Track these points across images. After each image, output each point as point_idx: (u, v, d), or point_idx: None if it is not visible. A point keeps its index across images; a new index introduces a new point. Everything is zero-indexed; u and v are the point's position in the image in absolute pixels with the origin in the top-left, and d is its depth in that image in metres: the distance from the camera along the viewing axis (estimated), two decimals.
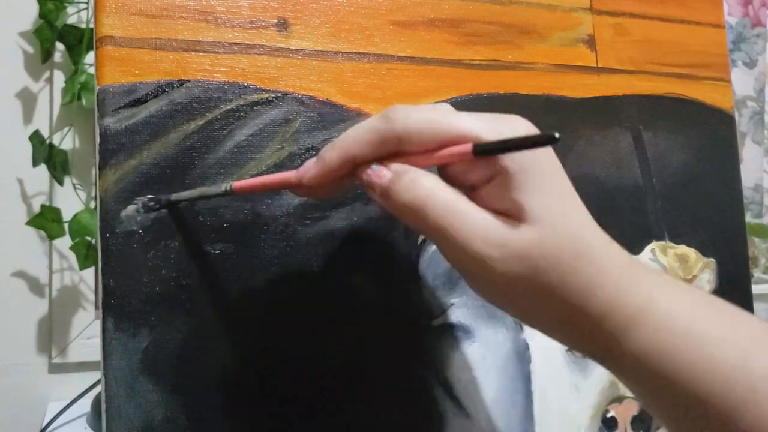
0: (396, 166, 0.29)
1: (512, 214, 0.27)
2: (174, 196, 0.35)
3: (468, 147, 0.27)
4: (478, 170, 0.28)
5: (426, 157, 0.28)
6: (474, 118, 0.28)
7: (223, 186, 0.34)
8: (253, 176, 0.36)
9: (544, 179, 0.28)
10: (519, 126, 0.28)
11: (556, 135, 0.24)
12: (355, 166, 0.29)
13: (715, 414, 0.26)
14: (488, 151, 0.27)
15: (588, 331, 0.28)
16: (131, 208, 0.34)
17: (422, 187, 0.27)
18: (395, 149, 0.29)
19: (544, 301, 0.27)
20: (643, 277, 0.28)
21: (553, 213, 0.27)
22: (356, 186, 0.31)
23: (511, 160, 0.27)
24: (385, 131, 0.28)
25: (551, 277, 0.27)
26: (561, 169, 0.29)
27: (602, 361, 0.29)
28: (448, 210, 0.27)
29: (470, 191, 0.28)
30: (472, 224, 0.27)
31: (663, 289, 0.28)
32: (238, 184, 0.33)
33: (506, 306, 0.30)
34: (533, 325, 0.30)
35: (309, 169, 0.30)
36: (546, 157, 0.28)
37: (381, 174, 0.29)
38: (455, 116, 0.28)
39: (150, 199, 0.35)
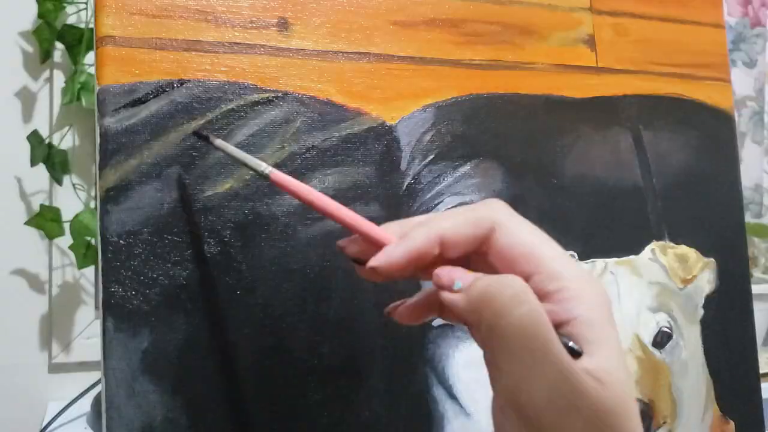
0: (482, 274, 0.27)
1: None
2: (218, 143, 0.33)
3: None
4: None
5: None
6: (572, 269, 0.27)
7: (263, 167, 0.31)
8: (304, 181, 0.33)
9: (604, 334, 0.26)
10: (599, 298, 0.27)
11: (579, 351, 0.25)
12: (438, 253, 0.27)
13: None
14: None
15: None
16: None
17: (515, 285, 0.25)
18: (482, 241, 0.27)
19: None
20: None
21: (614, 370, 0.25)
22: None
23: (579, 307, 0.26)
24: (481, 214, 0.27)
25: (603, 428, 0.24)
26: (614, 324, 0.27)
27: None
28: (536, 323, 0.24)
29: None
30: (555, 351, 0.24)
31: None
32: (279, 177, 0.31)
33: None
34: None
35: (389, 253, 0.27)
36: (610, 315, 0.27)
37: (468, 274, 0.27)
38: (553, 249, 0.27)
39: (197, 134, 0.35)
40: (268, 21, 0.38)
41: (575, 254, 0.44)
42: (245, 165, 0.32)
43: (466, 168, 0.42)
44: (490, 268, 0.28)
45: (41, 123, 0.88)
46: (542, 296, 0.26)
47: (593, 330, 0.26)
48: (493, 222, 0.27)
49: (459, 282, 0.26)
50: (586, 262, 0.45)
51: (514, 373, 0.24)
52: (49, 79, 0.89)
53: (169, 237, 0.35)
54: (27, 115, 0.89)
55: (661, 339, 0.46)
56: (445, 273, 0.27)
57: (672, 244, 0.48)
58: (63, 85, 0.87)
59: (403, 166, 0.41)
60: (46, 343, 0.90)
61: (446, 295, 0.27)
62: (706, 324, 0.48)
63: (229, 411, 0.35)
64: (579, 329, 0.26)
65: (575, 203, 0.45)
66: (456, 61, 0.43)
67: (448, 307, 0.27)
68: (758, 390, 0.50)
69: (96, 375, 0.85)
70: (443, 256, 0.28)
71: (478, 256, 0.28)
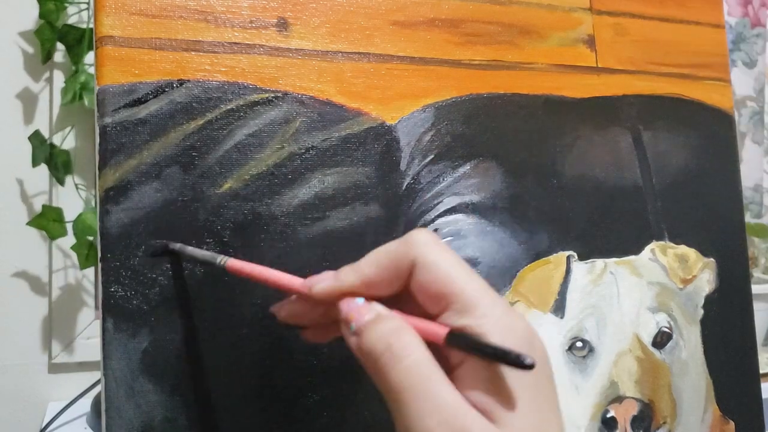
0: (382, 309, 0.27)
1: (482, 409, 0.24)
2: (171, 246, 0.35)
3: (443, 331, 0.26)
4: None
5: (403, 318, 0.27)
6: (488, 299, 0.26)
7: (219, 259, 0.33)
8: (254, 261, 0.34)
9: (535, 383, 0.25)
10: (518, 329, 0.26)
11: (530, 363, 0.23)
12: (366, 292, 0.28)
13: None
14: (460, 345, 0.25)
15: None
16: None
17: (403, 340, 0.25)
18: (405, 280, 0.27)
19: None
20: None
21: (530, 428, 0.24)
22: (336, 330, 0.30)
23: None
24: (401, 253, 0.27)
25: None
26: (552, 381, 0.26)
27: None
28: (419, 374, 0.24)
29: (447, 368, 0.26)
30: (437, 399, 0.24)
31: None
32: (233, 264, 0.33)
33: None
34: None
35: (322, 281, 0.29)
36: (541, 362, 0.25)
37: (363, 310, 0.27)
38: (473, 284, 0.26)
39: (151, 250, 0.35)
40: (268, 21, 0.38)
41: (575, 254, 0.44)
42: (199, 261, 0.35)
43: (465, 168, 0.42)
44: (417, 304, 0.28)
45: (42, 123, 0.88)
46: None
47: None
48: (412, 261, 0.27)
49: (353, 324, 0.27)
50: (586, 262, 0.45)
51: (402, 420, 0.25)
52: (50, 79, 0.89)
53: (169, 237, 0.35)
54: (28, 115, 0.89)
55: (661, 339, 0.46)
56: (345, 308, 0.28)
57: (672, 244, 0.48)
58: (63, 85, 0.87)
59: (403, 166, 0.41)
60: (47, 344, 0.90)
61: (344, 332, 0.28)
62: (706, 324, 0.48)
63: (229, 411, 0.35)
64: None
65: (575, 203, 0.45)
66: (456, 61, 0.43)
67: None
68: (758, 390, 0.50)
69: (96, 375, 0.85)
70: (374, 297, 0.28)
71: (409, 294, 0.28)
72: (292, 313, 0.31)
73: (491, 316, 0.25)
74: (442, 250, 0.27)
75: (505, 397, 0.24)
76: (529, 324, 0.26)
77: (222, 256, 0.33)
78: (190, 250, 0.34)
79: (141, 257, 0.34)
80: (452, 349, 0.26)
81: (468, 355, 0.25)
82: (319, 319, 0.31)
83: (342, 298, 0.28)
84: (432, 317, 0.27)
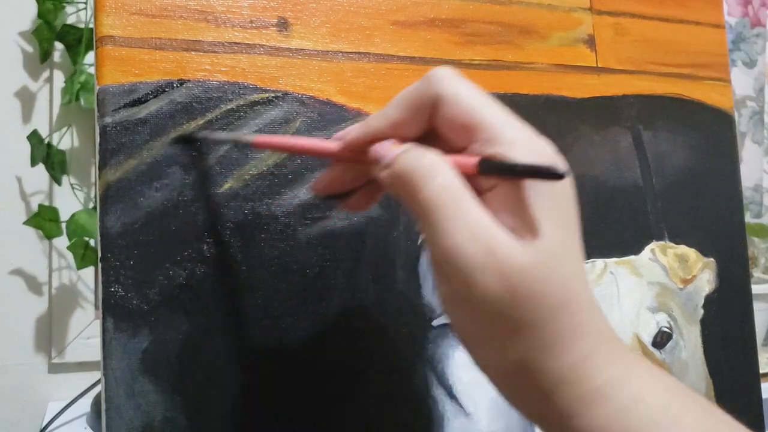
0: (411, 144, 0.27)
1: (513, 228, 0.25)
2: (201, 134, 0.36)
3: (474, 160, 0.26)
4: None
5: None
6: (513, 126, 0.26)
7: (244, 138, 0.35)
8: (274, 140, 0.35)
9: (558, 207, 0.25)
10: (545, 151, 0.26)
11: (563, 172, 0.24)
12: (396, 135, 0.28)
13: None
14: (492, 170, 0.25)
15: (545, 392, 0.25)
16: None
17: (432, 161, 0.26)
18: (431, 116, 0.27)
19: (506, 336, 0.25)
20: (621, 350, 0.26)
21: (555, 246, 0.25)
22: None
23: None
24: (423, 89, 0.27)
25: (524, 315, 0.24)
26: (574, 201, 0.27)
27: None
28: (449, 192, 0.25)
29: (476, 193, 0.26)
30: (467, 216, 0.24)
31: (638, 368, 0.26)
32: (260, 139, 0.34)
33: (462, 326, 0.26)
34: (479, 361, 0.27)
35: (351, 131, 0.29)
36: (565, 184, 0.26)
37: (394, 146, 0.27)
38: (496, 112, 0.26)
39: (177, 138, 0.36)
40: (268, 21, 0.38)
41: None
42: (228, 141, 0.36)
43: None
44: (447, 142, 0.28)
45: (41, 123, 0.88)
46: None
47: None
48: (435, 96, 0.27)
49: (385, 159, 0.27)
50: (586, 262, 0.45)
51: (433, 238, 0.25)
52: (49, 79, 0.89)
53: (169, 237, 0.35)
54: (27, 115, 0.89)
55: (661, 339, 0.46)
56: (375, 148, 0.28)
57: (672, 244, 0.48)
58: (63, 85, 0.87)
59: None
60: (46, 344, 0.90)
61: (375, 172, 0.28)
62: (706, 324, 0.48)
63: (229, 411, 0.35)
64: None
65: None
66: (456, 61, 0.43)
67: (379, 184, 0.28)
68: (758, 390, 0.50)
69: (96, 375, 0.85)
70: (403, 138, 0.28)
71: (436, 132, 0.28)
72: (330, 180, 0.32)
73: (518, 142, 0.25)
74: (464, 83, 0.27)
75: (530, 218, 0.25)
76: (554, 148, 0.27)
77: (248, 134, 0.34)
78: (215, 135, 0.36)
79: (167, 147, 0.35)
80: (484, 177, 0.26)
81: (495, 182, 0.26)
82: (356, 184, 0.31)
83: (373, 144, 0.28)
84: (460, 152, 0.27)
